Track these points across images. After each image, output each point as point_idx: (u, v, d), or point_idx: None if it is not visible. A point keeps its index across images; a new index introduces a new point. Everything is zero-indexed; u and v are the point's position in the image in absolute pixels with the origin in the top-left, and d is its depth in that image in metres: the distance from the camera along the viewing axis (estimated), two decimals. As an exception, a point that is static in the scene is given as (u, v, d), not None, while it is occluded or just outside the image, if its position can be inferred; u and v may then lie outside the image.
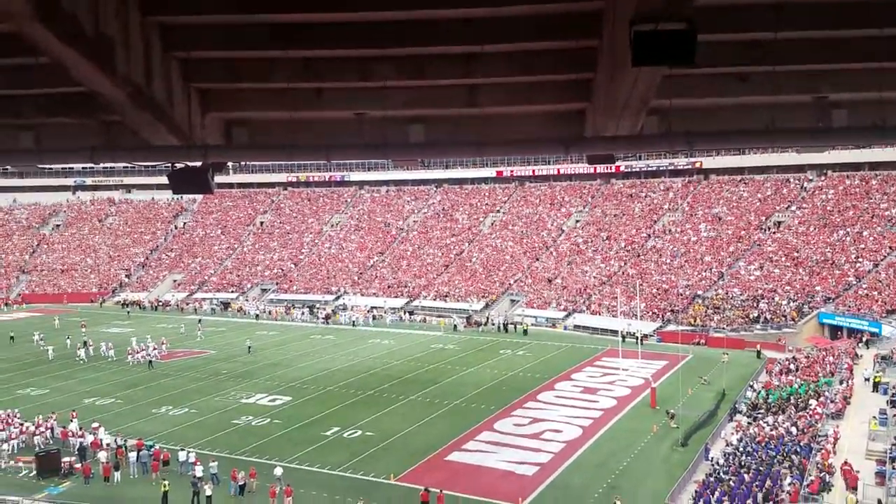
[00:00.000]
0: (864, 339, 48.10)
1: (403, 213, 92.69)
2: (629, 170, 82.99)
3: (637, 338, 51.20)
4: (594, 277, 69.43)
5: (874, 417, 31.66)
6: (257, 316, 72.48)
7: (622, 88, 7.67)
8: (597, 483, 28.40)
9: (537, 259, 76.43)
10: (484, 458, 31.11)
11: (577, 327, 62.36)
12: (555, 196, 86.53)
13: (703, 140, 9.91)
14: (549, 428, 34.99)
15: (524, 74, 9.87)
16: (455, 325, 64.60)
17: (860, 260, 58.20)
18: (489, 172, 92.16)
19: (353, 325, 66.80)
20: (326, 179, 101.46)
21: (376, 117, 11.07)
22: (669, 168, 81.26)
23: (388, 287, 77.45)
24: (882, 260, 57.13)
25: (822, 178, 71.29)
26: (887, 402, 33.59)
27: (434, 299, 73.35)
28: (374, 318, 70.03)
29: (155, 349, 52.38)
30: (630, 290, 60.47)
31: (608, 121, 8.94)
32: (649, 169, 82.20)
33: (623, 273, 68.69)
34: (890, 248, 58.14)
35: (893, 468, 25.59)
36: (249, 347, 54.63)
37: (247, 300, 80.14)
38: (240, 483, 27.73)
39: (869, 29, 7.71)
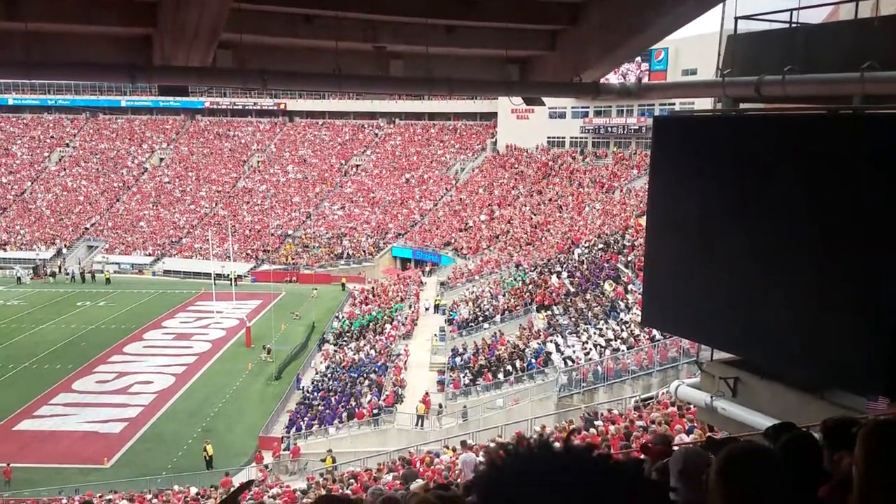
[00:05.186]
0: (427, 269, 55.68)
1: (-64, 146, 75.38)
2: (215, 107, 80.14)
3: (231, 279, 50.95)
4: (184, 219, 66.54)
5: (435, 335, 37.15)
6: None
7: (189, 16, 7.30)
8: (190, 429, 27.95)
9: (118, 200, 69.92)
10: (61, 423, 28.27)
11: (167, 272, 59.30)
12: (134, 131, 79.42)
13: (278, 80, 10.03)
14: (137, 381, 33.09)
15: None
16: (19, 278, 55.83)
17: (423, 200, 66.77)
18: (52, 100, 79.81)
19: None
20: None
21: None
22: (255, 108, 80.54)
23: (-80, 238, 62.89)
24: (440, 199, 66.43)
25: (392, 125, 78.93)
26: (445, 321, 39.66)
27: (-12, 250, 62.13)
28: None
29: None
30: (223, 231, 59.57)
31: (177, 50, 8.43)
32: (236, 108, 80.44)
33: (215, 214, 67.19)
34: (446, 189, 67.84)
35: (450, 376, 30.46)
36: None
37: None
38: None
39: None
